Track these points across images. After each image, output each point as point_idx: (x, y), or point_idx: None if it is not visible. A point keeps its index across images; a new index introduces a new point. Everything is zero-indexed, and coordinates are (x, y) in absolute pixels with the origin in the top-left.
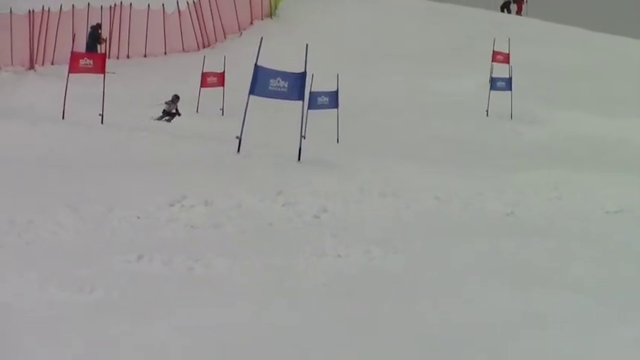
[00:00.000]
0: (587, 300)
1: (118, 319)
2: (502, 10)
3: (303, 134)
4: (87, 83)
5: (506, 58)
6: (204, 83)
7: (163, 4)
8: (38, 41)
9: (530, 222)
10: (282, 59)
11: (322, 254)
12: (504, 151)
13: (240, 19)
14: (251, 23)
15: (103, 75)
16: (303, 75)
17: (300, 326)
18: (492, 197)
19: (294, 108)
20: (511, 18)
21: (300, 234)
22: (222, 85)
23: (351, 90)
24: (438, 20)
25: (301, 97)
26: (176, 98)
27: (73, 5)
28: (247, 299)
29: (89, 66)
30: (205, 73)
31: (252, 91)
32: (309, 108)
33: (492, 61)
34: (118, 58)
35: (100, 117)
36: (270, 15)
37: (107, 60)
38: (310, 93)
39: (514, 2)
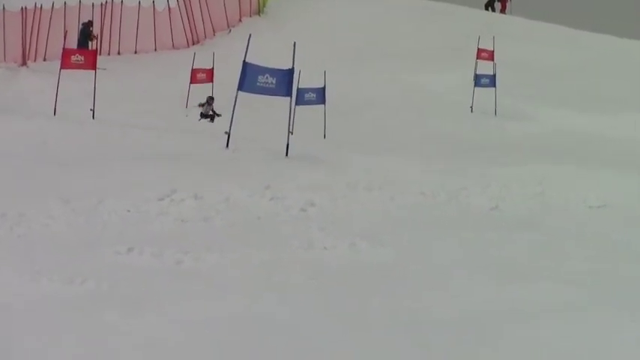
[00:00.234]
0: (570, 291)
1: (109, 310)
2: (486, 9)
3: (290, 130)
4: (78, 79)
5: (490, 56)
6: (193, 79)
7: (154, 2)
8: (30, 38)
9: (515, 216)
10: (271, 56)
11: (309, 247)
12: (489, 147)
13: (228, 17)
14: (240, 20)
15: (94, 71)
16: (291, 71)
17: (288, 319)
18: (477, 192)
19: (282, 104)
20: (496, 16)
21: (288, 227)
22: (212, 81)
23: (339, 87)
24: (425, 19)
25: (289, 93)
26: (211, 99)
27: (64, 2)
28: (236, 292)
29: (80, 62)
30: (195, 69)
31: (240, 87)
32: (296, 104)
33: (477, 58)
34: (109, 54)
35: (92, 112)
36: (259, 12)
37: (98, 56)
38: (298, 89)
39: (498, 0)
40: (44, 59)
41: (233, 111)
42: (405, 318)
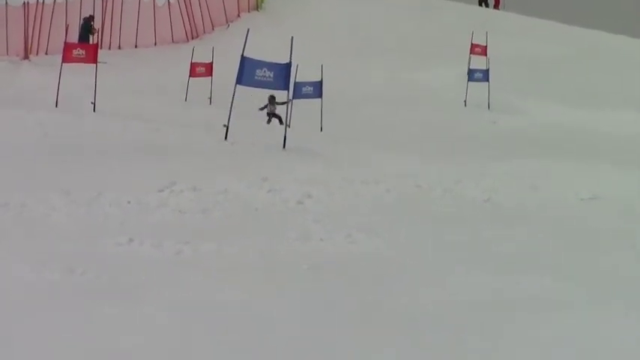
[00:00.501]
0: (561, 282)
1: (109, 300)
2: (480, 4)
3: (288, 123)
4: (79, 73)
5: (483, 51)
6: (192, 73)
7: None
8: (33, 32)
9: (507, 208)
10: (269, 51)
11: (306, 239)
12: (482, 141)
13: (227, 12)
14: (238, 16)
15: (95, 65)
16: (288, 65)
17: (285, 308)
18: (470, 184)
19: (279, 97)
20: (489, 12)
21: (285, 219)
22: (210, 75)
23: (335, 81)
24: (420, 15)
25: (286, 87)
26: (272, 98)
27: None
28: (234, 281)
29: (82, 56)
30: (194, 63)
31: (239, 81)
32: (293, 97)
33: (470, 53)
34: (109, 48)
35: (92, 105)
36: (257, 7)
37: (99, 50)
38: (295, 83)
39: None
40: (46, 53)
41: (232, 104)
42: (400, 308)
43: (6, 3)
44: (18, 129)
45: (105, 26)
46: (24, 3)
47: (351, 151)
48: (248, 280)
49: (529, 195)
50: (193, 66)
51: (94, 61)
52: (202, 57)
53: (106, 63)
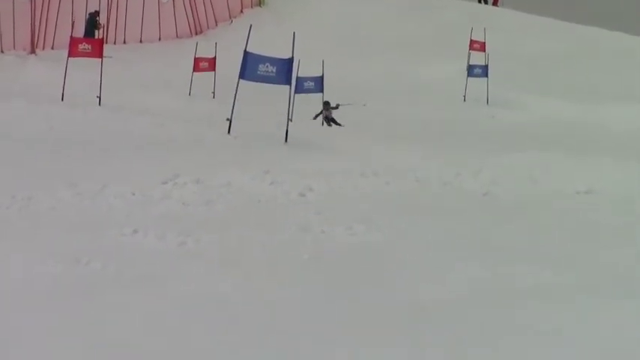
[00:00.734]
0: (560, 274)
1: (113, 290)
2: (479, 1)
3: (290, 117)
4: (85, 67)
5: (482, 47)
6: (196, 68)
7: None
8: (39, 27)
9: (506, 201)
10: (271, 47)
11: (307, 230)
12: (481, 135)
13: (230, 7)
14: (241, 11)
15: (100, 59)
16: (291, 61)
17: (286, 298)
18: (469, 178)
19: (281, 92)
20: (488, 9)
21: (287, 211)
22: (214, 69)
23: (337, 76)
24: (421, 11)
25: (288, 82)
26: (327, 104)
27: None
28: (236, 272)
29: (87, 51)
30: (197, 58)
31: (241, 76)
32: (295, 92)
33: (469, 49)
34: (115, 43)
35: (98, 99)
36: (260, 4)
37: (104, 45)
38: (297, 78)
39: None
40: (52, 48)
41: (234, 99)
42: (399, 299)
43: None
44: (24, 122)
45: (110, 21)
46: None
47: (351, 144)
48: (250, 270)
49: (528, 188)
50: (197, 61)
51: (100, 55)
52: (206, 52)
53: (111, 57)
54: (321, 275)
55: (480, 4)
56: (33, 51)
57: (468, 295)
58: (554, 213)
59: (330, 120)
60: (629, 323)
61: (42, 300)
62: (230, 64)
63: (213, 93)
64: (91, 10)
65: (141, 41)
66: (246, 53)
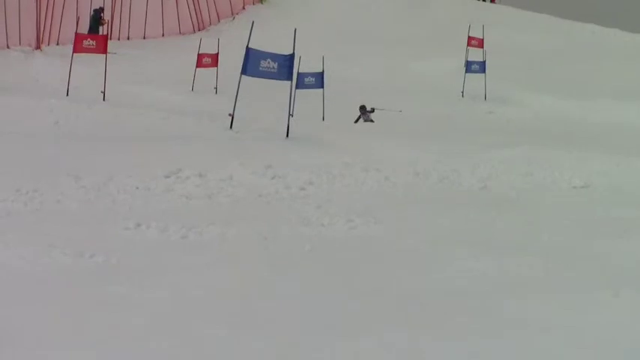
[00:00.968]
0: (554, 266)
1: (117, 282)
2: None
3: (291, 112)
4: (90, 63)
5: (480, 43)
6: (199, 64)
7: None
8: (45, 23)
9: (502, 195)
10: (273, 42)
11: (308, 223)
12: (479, 130)
13: (233, 4)
14: (243, 8)
15: (105, 55)
16: (292, 56)
17: (287, 288)
18: (467, 172)
19: (283, 87)
20: (487, 6)
21: (288, 205)
22: (216, 65)
23: (337, 72)
24: (421, 7)
25: (289, 78)
26: (363, 108)
27: None
28: (237, 264)
29: (92, 46)
30: (200, 54)
31: (243, 71)
32: (296, 88)
33: (467, 45)
34: (119, 39)
35: (102, 94)
36: (262, 0)
37: (109, 41)
38: (298, 74)
39: None
40: (57, 43)
41: (237, 94)
42: (398, 290)
43: None
44: (30, 117)
45: (114, 18)
46: None
47: (351, 139)
48: (251, 262)
49: (524, 183)
50: (200, 57)
51: (104, 51)
52: (208, 48)
53: (115, 54)
54: (322, 266)
55: (478, 2)
56: (38, 47)
57: (465, 286)
58: (550, 207)
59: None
60: (623, 316)
61: (47, 291)
62: (232, 60)
63: (216, 88)
64: (96, 6)
65: (144, 37)
66: (248, 49)
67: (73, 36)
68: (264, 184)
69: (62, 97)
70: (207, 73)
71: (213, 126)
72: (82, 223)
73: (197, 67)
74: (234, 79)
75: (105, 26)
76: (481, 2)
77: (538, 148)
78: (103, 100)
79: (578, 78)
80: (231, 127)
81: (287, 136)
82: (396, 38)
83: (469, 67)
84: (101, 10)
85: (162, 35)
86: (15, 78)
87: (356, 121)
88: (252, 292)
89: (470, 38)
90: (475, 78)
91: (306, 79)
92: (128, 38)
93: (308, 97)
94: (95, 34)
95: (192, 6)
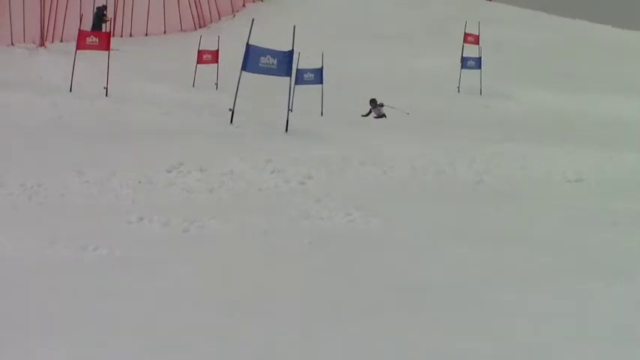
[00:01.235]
0: (549, 256)
1: (120, 274)
2: None
3: (290, 107)
4: (93, 59)
5: (476, 40)
6: (200, 60)
7: None
8: (48, 20)
9: (498, 189)
10: (272, 39)
11: (307, 217)
12: (475, 125)
13: (233, 1)
14: (243, 5)
15: (107, 52)
16: (291, 53)
17: (286, 281)
18: (464, 166)
19: (282, 83)
20: (482, 3)
21: (287, 198)
22: (217, 62)
23: (336, 68)
24: (419, 5)
25: (289, 74)
26: (374, 101)
27: None
28: (238, 257)
29: (95, 43)
30: (201, 50)
31: (244, 68)
32: (295, 84)
33: (464, 42)
34: (121, 36)
35: (105, 90)
36: None
37: (112, 38)
38: (297, 70)
39: None
40: (61, 40)
41: (237, 90)
42: (396, 281)
43: None
44: (34, 113)
45: (117, 15)
46: None
47: (350, 134)
48: (252, 255)
49: (519, 176)
50: (200, 53)
51: (107, 48)
52: (209, 45)
53: (118, 51)
54: (321, 259)
55: None
56: (42, 44)
57: (462, 278)
58: (545, 200)
59: (381, 116)
60: (616, 306)
61: (51, 283)
62: (232, 56)
63: (216, 84)
64: (99, 4)
65: (146, 34)
66: (248, 46)
67: (76, 33)
68: (264, 179)
69: (66, 93)
70: (208, 69)
71: (214, 121)
72: (86, 216)
73: (198, 63)
74: (235, 75)
75: (108, 23)
76: (477, 0)
77: (533, 142)
78: (106, 95)
79: (572, 73)
80: (231, 122)
81: (286, 130)
82: (394, 34)
83: (465, 63)
84: (104, 7)
85: (164, 32)
86: (19, 75)
87: (366, 115)
88: (252, 284)
89: (466, 35)
90: (471, 74)
91: (306, 76)
92: (130, 35)
93: (307, 92)
94: (98, 32)
95: (193, 4)
